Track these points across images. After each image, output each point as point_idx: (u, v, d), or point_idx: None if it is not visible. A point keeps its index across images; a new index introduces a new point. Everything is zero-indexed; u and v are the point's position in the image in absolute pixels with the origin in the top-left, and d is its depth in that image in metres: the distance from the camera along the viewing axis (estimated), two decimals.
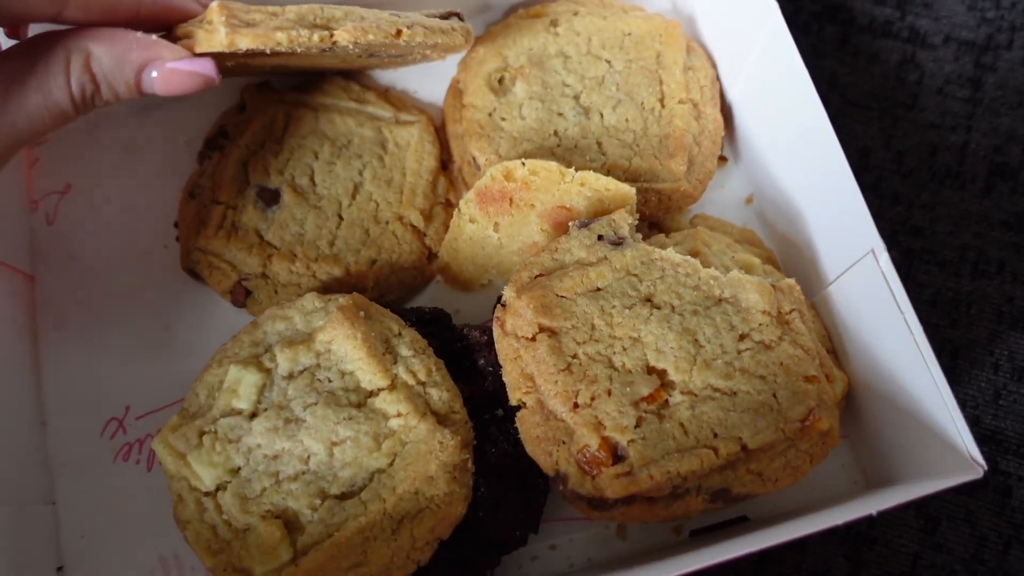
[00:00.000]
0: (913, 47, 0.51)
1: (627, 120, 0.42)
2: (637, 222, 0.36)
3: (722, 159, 0.46)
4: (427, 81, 0.48)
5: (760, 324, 0.33)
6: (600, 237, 0.34)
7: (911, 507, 0.41)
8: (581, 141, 0.42)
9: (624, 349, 0.32)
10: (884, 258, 0.34)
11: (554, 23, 0.45)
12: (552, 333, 0.32)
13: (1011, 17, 0.52)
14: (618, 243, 0.34)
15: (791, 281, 0.36)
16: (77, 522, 0.40)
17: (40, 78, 0.30)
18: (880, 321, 0.35)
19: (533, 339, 0.32)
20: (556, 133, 0.42)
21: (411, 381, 0.36)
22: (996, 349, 0.44)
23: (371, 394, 0.36)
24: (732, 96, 0.46)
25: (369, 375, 0.35)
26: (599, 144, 0.42)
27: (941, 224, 0.47)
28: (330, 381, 0.36)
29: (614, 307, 0.32)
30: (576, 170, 0.40)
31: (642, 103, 0.43)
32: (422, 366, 0.37)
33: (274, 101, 0.45)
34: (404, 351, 0.37)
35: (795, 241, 0.43)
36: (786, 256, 0.44)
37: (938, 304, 0.45)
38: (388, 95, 0.46)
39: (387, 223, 0.42)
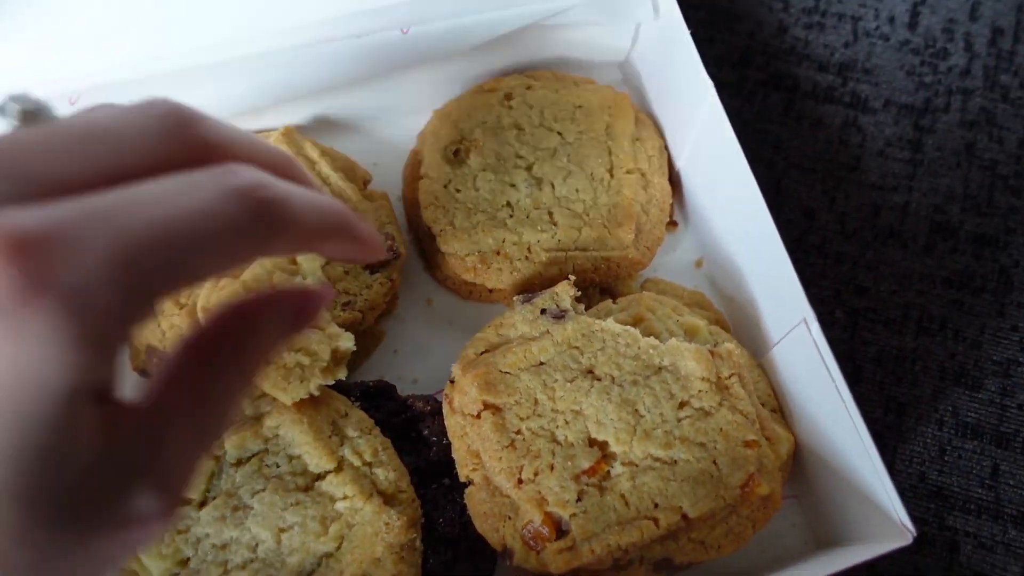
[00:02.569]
0: (855, 111, 0.54)
1: (577, 190, 0.44)
2: (579, 293, 0.37)
3: (672, 224, 0.47)
4: (388, 156, 0.49)
5: (699, 391, 0.34)
6: (543, 311, 0.35)
7: (862, 567, 0.42)
8: (533, 212, 0.43)
9: (567, 423, 0.32)
10: (815, 327, 0.36)
11: (508, 97, 0.47)
12: (496, 410, 0.33)
13: (948, 81, 0.54)
14: (560, 316, 0.35)
15: (730, 346, 0.37)
16: None
17: None
18: (816, 387, 0.36)
19: (478, 416, 0.33)
20: (509, 204, 0.44)
21: (357, 462, 0.37)
22: (940, 405, 0.46)
23: (318, 477, 0.36)
24: (680, 164, 0.47)
25: (316, 458, 0.36)
26: (550, 214, 0.43)
27: (885, 283, 0.49)
28: (278, 466, 0.37)
29: (556, 381, 0.33)
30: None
31: (592, 173, 0.44)
32: (368, 446, 0.37)
33: None
34: (351, 432, 0.38)
35: (742, 304, 0.44)
36: (735, 318, 0.45)
37: (883, 361, 0.47)
38: (351, 174, 0.47)
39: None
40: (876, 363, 0.47)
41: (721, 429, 0.34)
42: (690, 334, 0.39)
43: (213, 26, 0.45)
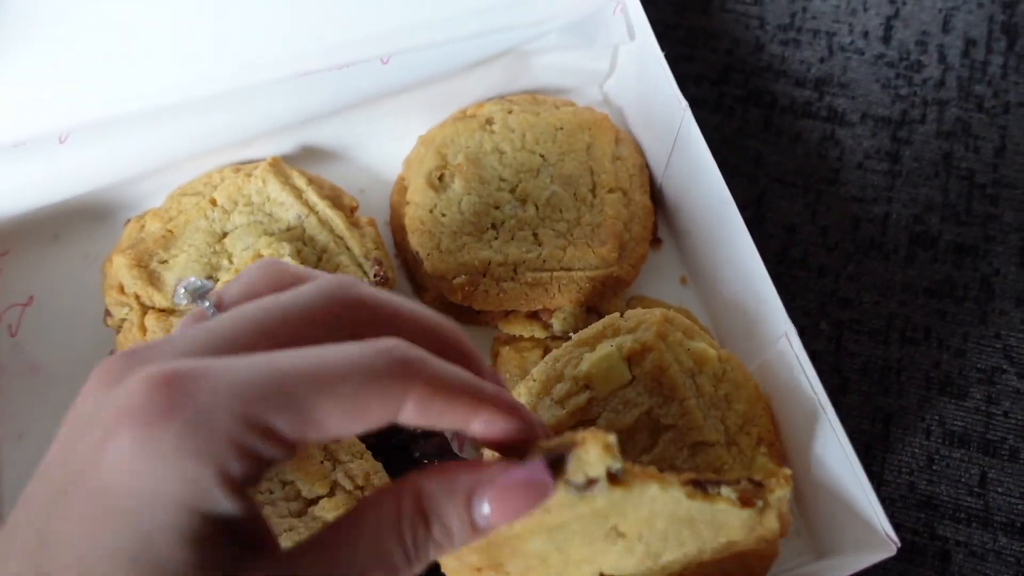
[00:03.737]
0: (832, 125, 0.54)
1: (561, 210, 0.44)
2: (616, 461, 0.28)
3: (657, 241, 0.48)
4: (374, 182, 0.50)
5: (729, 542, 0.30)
6: (567, 482, 0.27)
7: None
8: (518, 232, 0.44)
9: (577, 569, 0.29)
10: (796, 342, 0.36)
11: (489, 122, 0.48)
12: (499, 567, 0.29)
13: (923, 93, 0.55)
14: (588, 487, 0.27)
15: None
16: None
17: (371, 531, 0.23)
18: (799, 400, 0.37)
19: (479, 570, 0.29)
20: (494, 225, 0.44)
21: (350, 487, 0.37)
22: (927, 415, 0.46)
23: (311, 503, 0.36)
24: (662, 181, 0.48)
25: (308, 484, 0.36)
26: (535, 235, 0.44)
27: (868, 294, 0.49)
28: (271, 492, 0.37)
29: (573, 543, 0.28)
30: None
31: (575, 193, 0.45)
32: (360, 470, 0.37)
33: None
34: (343, 456, 0.38)
35: (725, 320, 0.44)
36: (721, 334, 0.45)
37: (868, 372, 0.47)
38: (339, 202, 0.48)
39: None
40: (862, 374, 0.47)
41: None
42: (700, 363, 0.38)
43: (199, 62, 0.46)
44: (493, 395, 0.24)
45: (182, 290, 0.27)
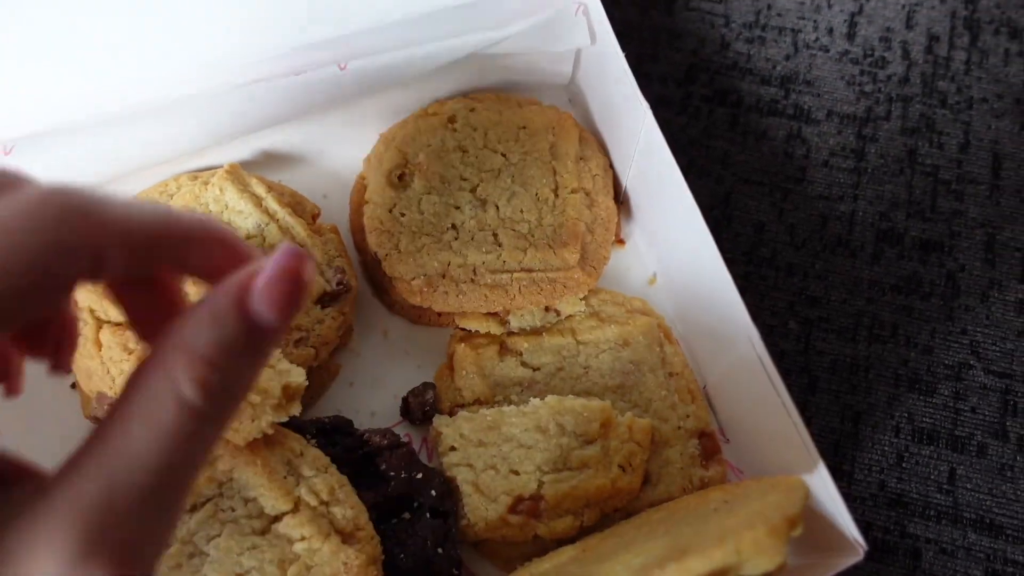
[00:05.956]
0: (798, 123, 0.54)
1: (522, 211, 0.44)
2: None
3: (620, 242, 0.48)
4: (336, 187, 0.49)
5: None
6: None
7: None
8: (478, 233, 0.43)
9: None
10: (759, 344, 0.36)
11: (451, 119, 0.47)
12: None
13: (887, 89, 0.55)
14: None
15: None
16: None
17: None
18: (763, 403, 0.36)
19: None
20: (454, 226, 0.44)
21: (314, 502, 0.36)
22: (896, 412, 0.46)
23: (275, 519, 0.36)
24: (627, 182, 0.48)
25: (272, 500, 0.35)
26: (495, 236, 0.43)
27: (835, 292, 0.49)
28: (233, 510, 0.36)
29: None
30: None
31: (536, 194, 0.44)
32: (324, 485, 0.37)
33: None
34: (306, 471, 0.37)
35: (692, 321, 0.44)
36: (688, 335, 0.45)
37: (837, 371, 0.47)
38: (300, 209, 0.47)
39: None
40: (831, 372, 0.47)
41: None
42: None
43: (152, 68, 0.45)
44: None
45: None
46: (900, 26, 0.57)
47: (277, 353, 0.39)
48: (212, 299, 0.21)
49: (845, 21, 0.58)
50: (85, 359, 0.43)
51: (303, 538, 0.35)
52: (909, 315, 0.48)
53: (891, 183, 0.52)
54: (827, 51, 0.57)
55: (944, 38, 0.57)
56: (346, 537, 0.36)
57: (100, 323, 0.43)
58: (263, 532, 0.36)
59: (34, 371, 0.43)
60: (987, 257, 0.50)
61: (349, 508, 0.37)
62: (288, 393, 0.39)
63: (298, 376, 0.38)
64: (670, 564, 0.28)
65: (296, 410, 0.39)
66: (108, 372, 0.42)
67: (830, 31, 0.57)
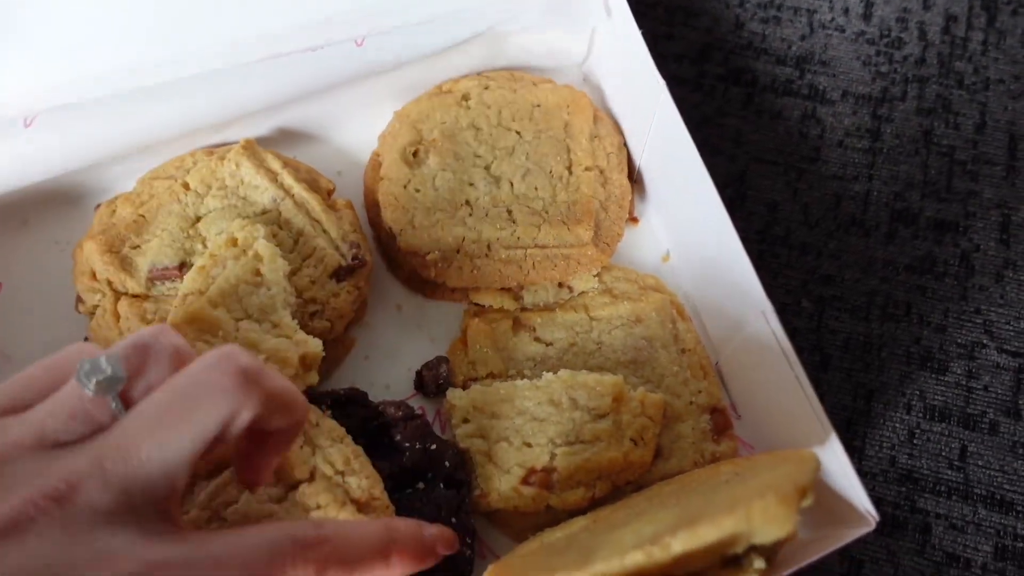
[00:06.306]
0: (813, 103, 0.54)
1: (536, 188, 0.44)
2: None
3: (633, 220, 0.48)
4: (351, 164, 0.49)
5: None
6: None
7: (835, 552, 0.42)
8: (492, 210, 0.43)
9: None
10: (773, 319, 0.36)
11: (465, 97, 0.47)
12: None
13: (903, 70, 0.55)
14: None
15: None
16: None
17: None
18: (777, 378, 0.36)
19: None
20: (468, 202, 0.44)
21: (329, 472, 0.37)
22: (907, 390, 0.46)
23: (291, 488, 0.36)
24: (641, 161, 0.48)
25: (287, 470, 0.36)
26: (509, 212, 0.43)
27: (849, 271, 0.49)
28: None
29: None
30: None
31: (550, 171, 0.45)
32: (340, 455, 0.37)
33: None
34: (322, 441, 0.38)
35: (706, 298, 0.44)
36: (702, 312, 0.45)
37: (850, 348, 0.47)
38: (315, 185, 0.47)
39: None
40: (843, 350, 0.47)
41: None
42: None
43: (170, 44, 0.45)
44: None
45: (85, 376, 0.25)
46: (917, 6, 0.57)
47: (294, 324, 0.40)
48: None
49: (861, 2, 0.57)
50: (104, 329, 0.43)
51: (319, 507, 0.36)
52: (923, 294, 0.48)
53: (906, 163, 0.52)
54: (843, 31, 0.56)
55: (962, 19, 0.57)
56: (361, 506, 0.37)
57: (118, 295, 0.44)
58: (279, 500, 0.37)
59: (51, 341, 0.44)
60: (1002, 238, 0.50)
61: (364, 478, 0.37)
62: (305, 363, 0.39)
63: (316, 347, 0.39)
64: (680, 532, 0.28)
65: (313, 379, 0.39)
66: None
67: (846, 11, 0.57)
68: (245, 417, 0.26)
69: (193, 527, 0.36)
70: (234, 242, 0.42)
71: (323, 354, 0.39)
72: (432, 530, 0.32)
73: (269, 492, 0.37)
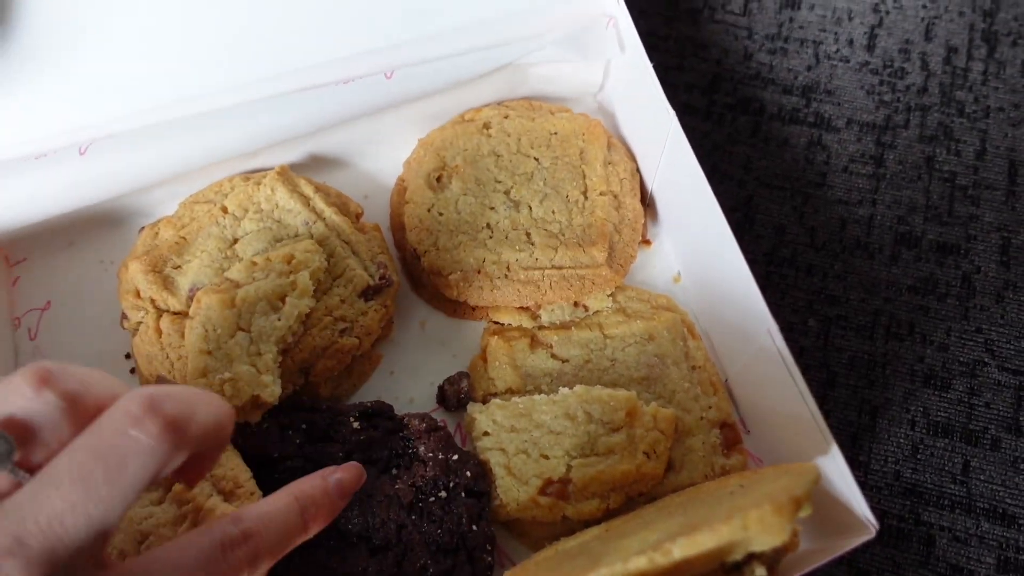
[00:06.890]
0: (819, 131, 0.56)
1: (553, 212, 0.46)
2: None
3: (646, 242, 0.50)
4: (377, 188, 0.52)
5: None
6: None
7: (841, 562, 0.43)
8: (511, 232, 0.46)
9: None
10: (778, 337, 0.38)
11: (487, 126, 0.50)
12: None
13: (906, 99, 0.57)
14: None
15: None
16: None
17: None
18: (782, 393, 0.38)
19: None
20: (488, 225, 0.46)
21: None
22: (911, 406, 0.47)
23: (168, 490, 0.38)
24: (653, 186, 0.50)
25: None
26: (528, 235, 0.46)
27: (854, 292, 0.51)
28: None
29: None
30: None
31: (567, 196, 0.47)
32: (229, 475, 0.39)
33: None
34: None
35: (715, 317, 0.46)
36: (712, 332, 0.47)
37: (855, 366, 0.49)
38: (345, 209, 0.49)
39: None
40: (849, 368, 0.49)
41: None
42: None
43: (211, 77, 0.48)
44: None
45: None
46: (919, 38, 0.59)
47: (275, 364, 0.41)
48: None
49: (865, 33, 0.60)
50: (146, 345, 0.46)
51: (190, 501, 0.38)
52: (926, 314, 0.50)
53: (909, 188, 0.54)
54: (847, 62, 0.59)
55: (962, 50, 0.59)
56: (227, 495, 0.39)
57: (160, 312, 0.46)
58: (159, 503, 0.39)
59: (96, 356, 0.46)
60: (1002, 260, 0.51)
61: (229, 469, 0.39)
62: (255, 403, 0.41)
63: (270, 396, 0.40)
64: (680, 538, 0.30)
65: (253, 420, 0.41)
66: (167, 357, 0.45)
67: (850, 43, 0.59)
68: (176, 463, 0.26)
69: (118, 553, 0.37)
70: (289, 259, 0.44)
71: (275, 404, 0.41)
72: (336, 475, 0.33)
73: (150, 496, 0.38)
